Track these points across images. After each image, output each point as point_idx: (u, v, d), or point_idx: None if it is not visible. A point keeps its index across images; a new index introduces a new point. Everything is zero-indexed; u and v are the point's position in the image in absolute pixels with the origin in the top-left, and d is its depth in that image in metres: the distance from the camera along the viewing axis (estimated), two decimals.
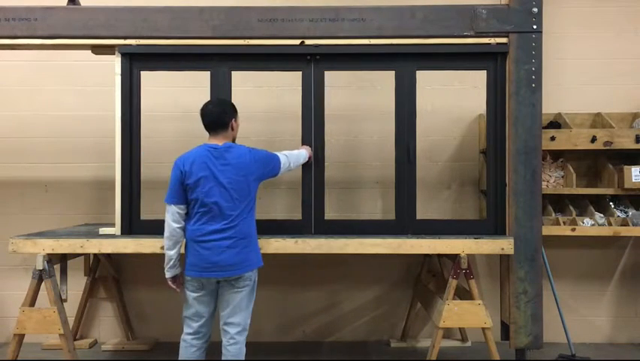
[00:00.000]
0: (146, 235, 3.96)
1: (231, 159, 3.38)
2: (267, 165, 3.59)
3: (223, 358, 3.40)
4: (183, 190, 3.36)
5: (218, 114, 3.48)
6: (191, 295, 3.41)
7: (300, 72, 4.09)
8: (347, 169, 5.05)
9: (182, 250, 3.46)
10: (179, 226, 3.37)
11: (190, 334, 3.44)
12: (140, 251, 3.89)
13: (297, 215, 4.12)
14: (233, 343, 3.39)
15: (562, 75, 5.03)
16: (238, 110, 3.56)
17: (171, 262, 3.44)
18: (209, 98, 4.03)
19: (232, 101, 3.78)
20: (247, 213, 3.40)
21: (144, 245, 3.88)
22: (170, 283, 3.50)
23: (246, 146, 3.53)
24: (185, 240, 3.43)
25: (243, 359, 3.42)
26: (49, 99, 5.10)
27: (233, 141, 3.57)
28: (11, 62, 5.00)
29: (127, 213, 4.04)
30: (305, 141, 4.10)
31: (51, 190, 5.09)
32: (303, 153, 3.95)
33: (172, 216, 3.37)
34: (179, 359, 3.44)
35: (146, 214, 4.10)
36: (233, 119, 3.53)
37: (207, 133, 3.50)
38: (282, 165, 3.70)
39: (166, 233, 3.40)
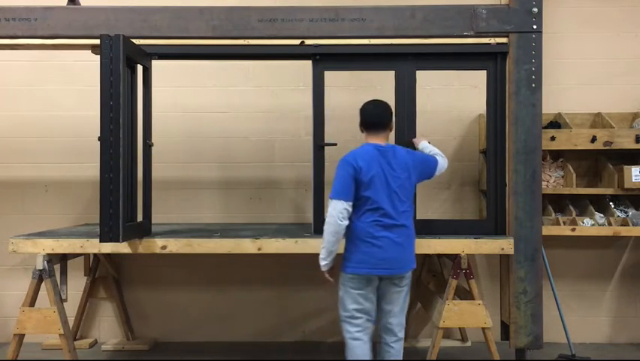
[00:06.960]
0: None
1: (393, 159, 3.39)
2: (424, 166, 3.62)
3: (387, 356, 3.48)
4: (356, 187, 3.32)
5: (382, 114, 3.49)
6: (353, 292, 3.42)
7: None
8: None
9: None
10: (346, 223, 3.31)
11: (358, 331, 3.43)
12: (140, 251, 3.88)
13: (298, 215, 4.12)
14: (397, 340, 3.48)
15: (562, 75, 5.03)
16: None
17: (331, 256, 3.40)
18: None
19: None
20: (410, 212, 3.45)
21: (143, 245, 3.88)
22: (327, 275, 3.50)
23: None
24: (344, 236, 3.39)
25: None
26: (49, 99, 5.09)
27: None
28: (11, 62, 5.00)
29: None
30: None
31: (51, 190, 5.09)
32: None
33: (340, 214, 3.28)
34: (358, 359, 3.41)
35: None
36: (390, 121, 3.56)
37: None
38: (439, 165, 3.70)
39: (331, 229, 3.30)
